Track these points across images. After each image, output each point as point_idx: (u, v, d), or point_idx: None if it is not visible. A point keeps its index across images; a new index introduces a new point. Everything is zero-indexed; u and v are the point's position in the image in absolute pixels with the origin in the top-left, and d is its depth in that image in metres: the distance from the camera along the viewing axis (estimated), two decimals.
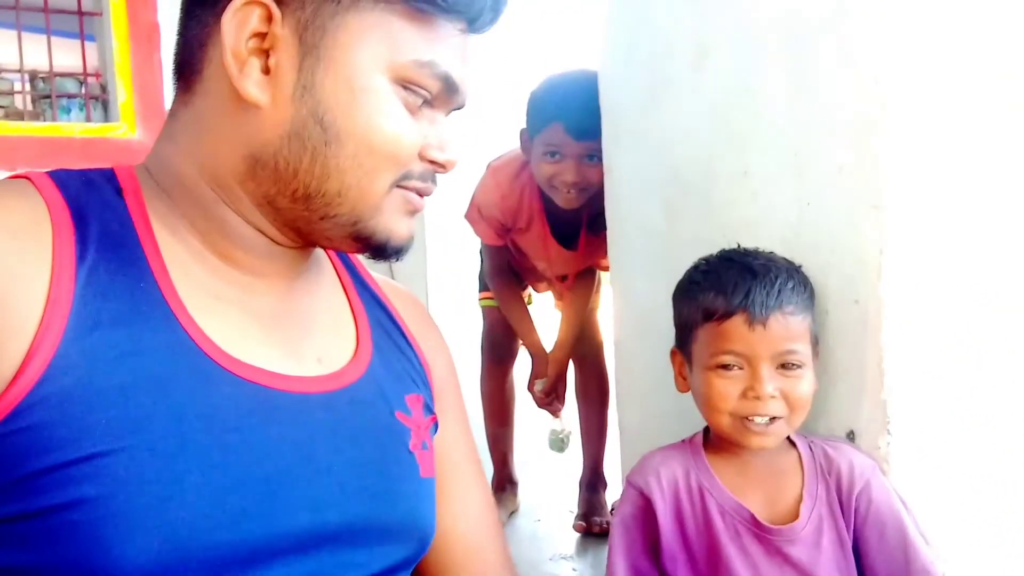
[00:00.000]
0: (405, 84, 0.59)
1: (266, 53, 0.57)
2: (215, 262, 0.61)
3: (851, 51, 0.92)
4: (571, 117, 1.55)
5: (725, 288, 0.88)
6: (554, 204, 1.72)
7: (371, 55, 0.58)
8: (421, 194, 0.63)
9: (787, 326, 0.86)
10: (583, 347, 2.06)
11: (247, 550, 0.53)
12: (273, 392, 0.58)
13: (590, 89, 1.43)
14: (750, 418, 0.86)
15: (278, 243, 0.63)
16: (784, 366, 0.86)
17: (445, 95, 0.62)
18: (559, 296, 2.13)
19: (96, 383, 0.51)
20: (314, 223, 0.61)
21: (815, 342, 0.90)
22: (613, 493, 2.09)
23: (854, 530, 0.87)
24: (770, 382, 0.85)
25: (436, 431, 0.72)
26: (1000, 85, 0.94)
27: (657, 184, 1.24)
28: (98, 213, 0.57)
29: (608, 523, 1.94)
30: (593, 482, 2.06)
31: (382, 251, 0.63)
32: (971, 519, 0.95)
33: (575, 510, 2.03)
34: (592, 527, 1.93)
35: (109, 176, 0.61)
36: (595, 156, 1.55)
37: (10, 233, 0.52)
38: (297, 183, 0.59)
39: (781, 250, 0.99)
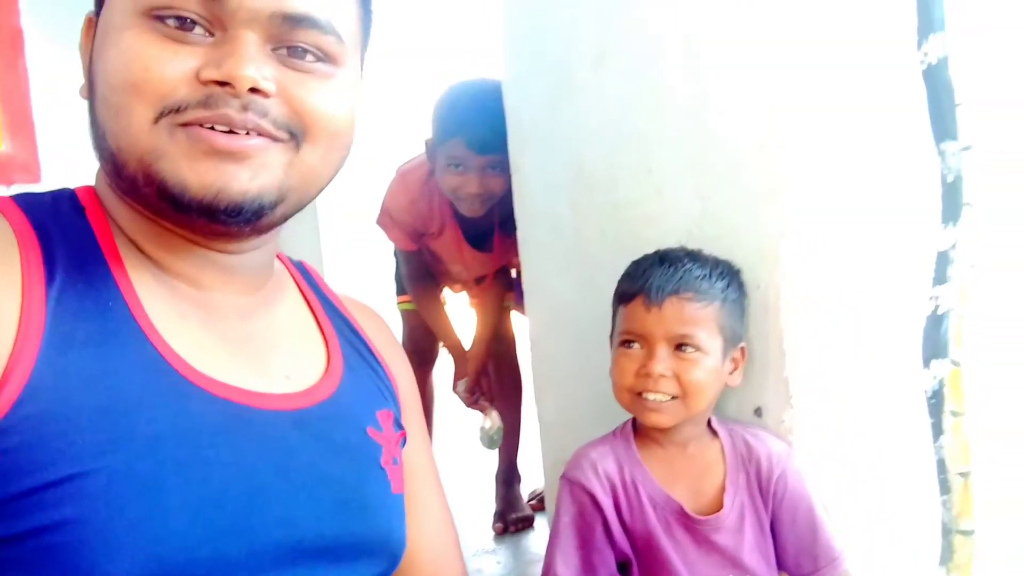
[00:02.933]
0: (154, 13, 0.55)
1: None
2: (171, 281, 0.60)
3: (747, 55, 0.99)
4: (473, 132, 1.58)
5: (634, 274, 0.95)
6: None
7: (118, 2, 0.57)
8: (209, 124, 0.55)
9: (683, 310, 0.91)
10: (497, 344, 2.10)
11: (226, 567, 0.53)
12: (245, 408, 0.58)
13: (492, 101, 1.46)
14: (643, 394, 0.91)
15: (195, 243, 0.61)
16: (680, 348, 0.91)
17: (212, 6, 0.55)
18: (474, 295, 2.16)
19: (72, 404, 0.50)
20: (140, 194, 0.57)
21: (732, 336, 0.96)
22: (528, 485, 2.14)
23: (771, 513, 0.94)
24: (661, 362, 0.90)
25: (404, 445, 0.73)
26: (883, 86, 1.04)
27: (564, 182, 1.28)
28: (63, 234, 0.57)
29: (523, 517, 2.00)
30: (509, 477, 2.10)
31: (185, 205, 0.55)
32: (865, 483, 1.05)
33: (492, 505, 2.06)
34: (509, 526, 1.97)
35: (70, 196, 0.61)
36: (498, 167, 1.60)
37: None
38: (102, 153, 0.58)
39: (686, 242, 1.05)
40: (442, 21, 2.77)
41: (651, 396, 0.91)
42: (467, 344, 2.03)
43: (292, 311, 0.70)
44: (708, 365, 0.92)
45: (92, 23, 0.60)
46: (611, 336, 1.01)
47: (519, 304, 1.98)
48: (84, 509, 0.49)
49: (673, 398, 0.91)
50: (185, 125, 0.55)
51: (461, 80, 1.74)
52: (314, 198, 0.65)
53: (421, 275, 2.00)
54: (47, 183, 2.04)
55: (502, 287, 2.06)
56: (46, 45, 2.08)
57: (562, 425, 1.38)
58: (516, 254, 1.92)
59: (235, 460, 0.56)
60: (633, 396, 0.93)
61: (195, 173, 0.55)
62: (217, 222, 0.57)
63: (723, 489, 0.94)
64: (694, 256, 0.97)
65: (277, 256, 0.72)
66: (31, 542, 0.48)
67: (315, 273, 0.77)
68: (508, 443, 2.10)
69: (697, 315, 0.92)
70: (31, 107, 2.38)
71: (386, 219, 1.88)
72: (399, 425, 0.72)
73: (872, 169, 1.05)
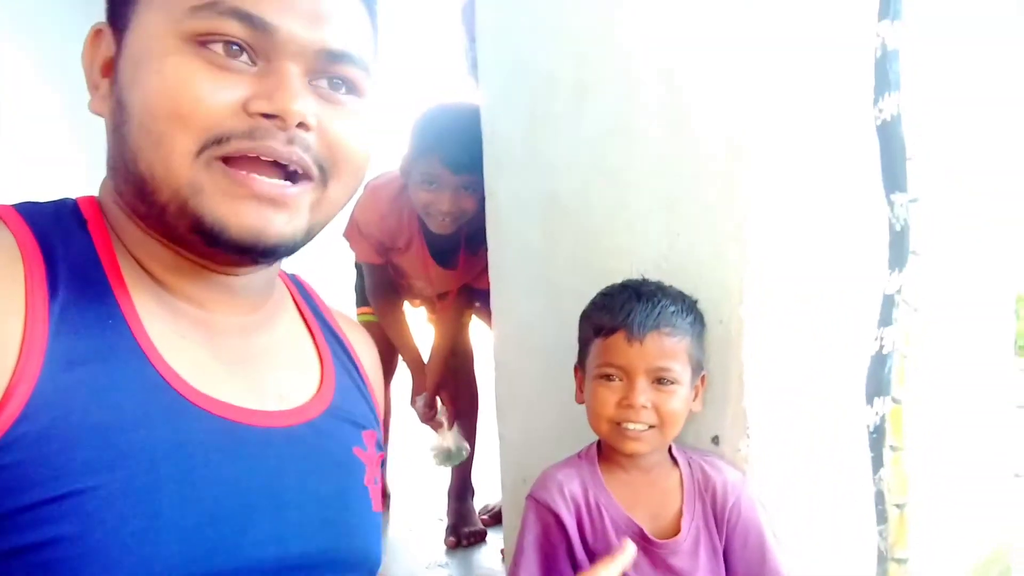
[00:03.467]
0: (198, 39, 0.55)
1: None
2: (172, 300, 0.61)
3: (718, 102, 1.05)
4: (450, 150, 1.61)
5: (613, 308, 0.99)
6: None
7: (154, 22, 0.56)
8: (254, 155, 0.55)
9: (662, 345, 0.96)
10: (455, 360, 2.12)
11: None
12: (238, 426, 0.59)
13: (471, 124, 1.49)
14: (624, 424, 0.96)
15: (203, 266, 0.61)
16: (659, 381, 0.96)
17: (260, 37, 0.55)
18: (433, 311, 2.17)
19: (72, 421, 0.51)
20: (166, 223, 0.58)
21: (698, 366, 1.01)
22: (480, 500, 2.17)
23: (724, 539, 0.99)
24: (643, 394, 0.95)
25: (384, 466, 0.75)
26: (841, 140, 1.11)
27: (538, 210, 1.32)
28: (66, 248, 0.57)
29: (476, 531, 2.02)
30: (462, 491, 2.11)
31: (222, 243, 0.56)
32: (816, 507, 1.11)
33: (444, 518, 2.07)
34: (462, 540, 1.99)
35: (73, 208, 0.61)
36: (470, 187, 1.63)
37: None
38: (126, 177, 0.58)
39: (653, 275, 1.10)
40: (421, 42, 2.79)
41: (631, 426, 0.95)
42: (426, 358, 2.05)
43: (289, 328, 0.71)
44: (682, 395, 0.97)
45: (102, 35, 0.60)
46: (581, 364, 1.05)
47: (486, 315, 2.00)
48: (82, 525, 0.49)
49: (650, 427, 0.96)
50: (226, 159, 0.55)
51: (441, 101, 1.77)
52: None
53: (384, 288, 2.01)
54: None
55: (463, 303, 2.08)
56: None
57: (524, 444, 1.41)
58: (480, 272, 1.95)
59: (228, 478, 0.57)
60: (613, 426, 0.97)
61: (235, 215, 0.55)
62: (250, 259, 0.59)
63: (680, 514, 0.98)
64: (664, 290, 1.02)
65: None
66: (29, 557, 0.49)
67: (310, 288, 0.78)
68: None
69: (674, 348, 0.97)
70: None
71: (354, 232, 1.89)
72: (380, 446, 0.74)
73: (828, 216, 1.12)
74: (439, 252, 1.87)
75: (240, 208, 0.56)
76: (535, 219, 1.33)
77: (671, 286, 1.06)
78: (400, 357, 2.10)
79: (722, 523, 0.98)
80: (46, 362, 0.51)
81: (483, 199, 1.65)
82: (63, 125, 2.15)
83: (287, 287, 0.75)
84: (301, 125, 0.56)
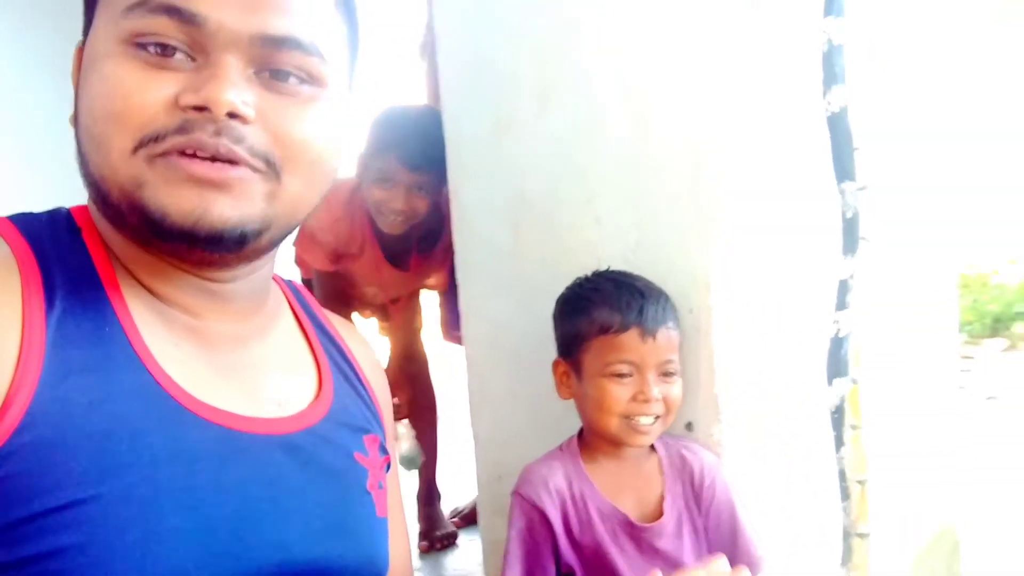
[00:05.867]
0: (135, 40, 0.54)
1: None
2: (166, 308, 0.60)
3: (681, 99, 1.09)
4: (407, 149, 1.62)
5: (619, 305, 1.01)
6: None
7: (100, 28, 0.56)
8: (189, 152, 0.54)
9: (669, 339, 1.01)
10: (410, 365, 2.12)
11: None
12: (237, 433, 0.59)
13: (429, 124, 1.51)
14: (636, 418, 0.98)
15: (184, 271, 0.60)
16: (665, 373, 1.00)
17: (192, 31, 0.54)
18: (385, 319, 2.17)
19: (71, 431, 0.51)
20: (125, 223, 0.57)
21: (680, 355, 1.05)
22: (447, 503, 2.17)
23: (703, 519, 1.02)
24: (655, 386, 0.98)
25: (389, 470, 0.75)
26: (795, 131, 1.16)
27: (504, 209, 1.34)
28: (61, 258, 0.56)
29: (447, 534, 2.03)
30: (429, 496, 2.12)
31: (166, 231, 0.55)
32: (785, 487, 1.15)
33: (414, 523, 2.08)
34: (435, 543, 1.99)
35: (66, 217, 0.60)
36: (424, 188, 1.66)
37: None
38: (86, 181, 0.58)
39: (622, 267, 1.13)
40: (377, 47, 2.79)
41: (643, 419, 0.98)
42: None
43: (286, 335, 0.71)
44: (680, 383, 1.02)
45: (81, 52, 0.60)
46: (571, 362, 1.05)
47: (452, 332, 2.01)
48: (83, 535, 0.49)
49: (657, 418, 0.99)
50: (164, 155, 0.54)
51: (399, 102, 1.78)
52: (302, 221, 0.65)
53: (336, 297, 1.99)
54: None
55: (414, 309, 2.10)
56: None
57: (498, 441, 1.42)
58: (431, 273, 1.96)
59: (228, 485, 0.57)
60: (623, 421, 0.99)
61: (174, 200, 0.54)
62: (198, 249, 0.56)
63: (662, 498, 1.01)
64: (651, 285, 1.05)
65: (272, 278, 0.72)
66: (32, 568, 0.48)
67: (306, 292, 0.78)
68: (426, 463, 2.12)
69: (675, 341, 1.02)
70: None
71: (306, 239, 1.86)
72: (384, 450, 0.73)
73: (787, 206, 1.17)
74: (392, 254, 1.88)
75: (178, 192, 0.54)
76: (503, 219, 1.35)
77: (643, 277, 1.09)
78: None
79: (701, 504, 1.02)
80: (44, 372, 0.51)
81: (435, 201, 1.66)
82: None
83: (284, 293, 0.74)
84: (235, 117, 0.54)
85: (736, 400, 1.10)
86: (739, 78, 1.10)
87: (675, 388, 1.01)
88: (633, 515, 1.00)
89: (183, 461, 0.55)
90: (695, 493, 1.02)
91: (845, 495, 1.27)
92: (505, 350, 1.38)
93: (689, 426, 1.12)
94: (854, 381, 1.25)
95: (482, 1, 1.35)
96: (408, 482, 2.14)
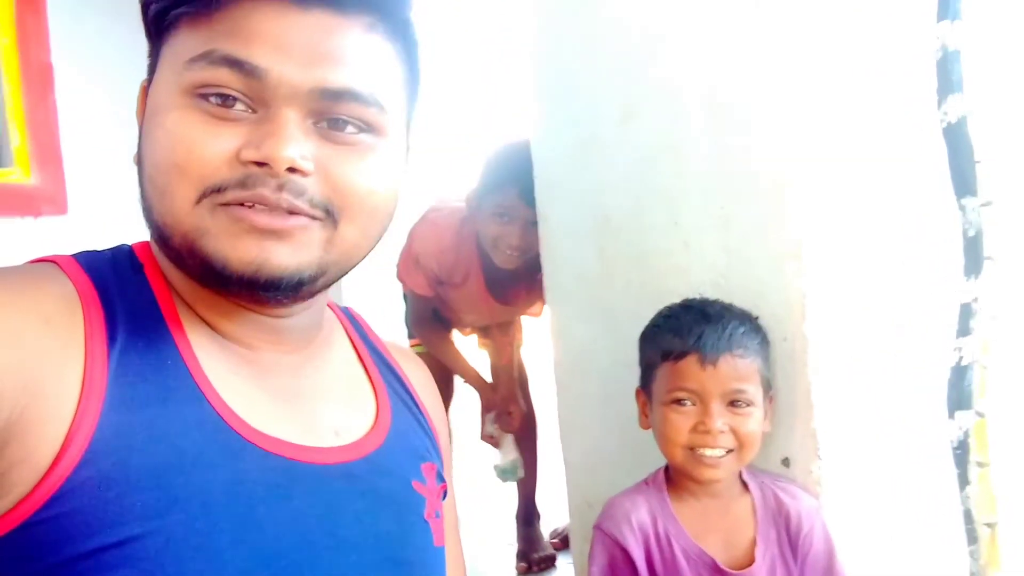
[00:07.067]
0: (197, 91, 0.55)
1: None
2: (223, 341, 0.61)
3: (763, 119, 1.03)
4: (527, 184, 1.61)
5: (681, 331, 0.96)
6: (493, 260, 1.77)
7: (164, 78, 0.57)
8: (248, 204, 0.55)
9: (736, 367, 0.94)
10: (512, 382, 2.12)
11: None
12: (295, 464, 0.59)
13: None
14: (701, 451, 0.93)
15: (244, 307, 0.62)
16: (734, 403, 0.94)
17: (254, 84, 0.55)
18: (485, 336, 2.18)
19: (131, 465, 0.51)
20: (186, 267, 0.59)
21: (767, 385, 0.99)
22: (547, 523, 2.15)
23: (798, 568, 0.95)
24: (719, 418, 0.93)
25: (445, 498, 0.74)
26: (905, 142, 1.07)
27: (590, 232, 1.32)
28: (123, 293, 0.58)
29: (546, 556, 2.00)
30: (528, 515, 2.11)
31: (227, 278, 0.56)
32: (898, 530, 1.06)
33: (513, 542, 2.07)
34: (533, 565, 1.97)
35: (128, 253, 0.62)
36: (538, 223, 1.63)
37: (44, 319, 0.53)
38: (149, 226, 0.59)
39: (712, 294, 1.08)
40: (472, 76, 2.83)
41: (708, 452, 0.93)
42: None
43: (342, 362, 0.71)
44: (758, 417, 0.95)
45: (145, 91, 0.61)
46: (645, 388, 1.03)
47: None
48: (142, 571, 0.49)
49: (728, 452, 0.94)
50: (226, 205, 0.55)
51: (515, 138, 1.77)
52: (356, 266, 0.65)
53: (430, 319, 2.01)
54: (73, 215, 2.09)
55: (516, 327, 2.09)
56: (75, 80, 2.13)
57: (588, 467, 1.39)
58: (533, 304, 1.95)
59: (286, 517, 0.57)
60: (687, 452, 0.94)
61: (235, 250, 0.55)
62: (257, 294, 0.58)
63: (754, 543, 0.95)
64: (730, 310, 0.99)
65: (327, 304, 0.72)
66: None
67: (361, 320, 0.78)
68: (525, 481, 2.11)
69: (747, 370, 0.95)
70: (59, 141, 2.46)
71: (410, 263, 1.90)
72: (441, 478, 0.73)
73: (897, 223, 1.08)
74: (496, 287, 1.87)
75: (239, 243, 0.55)
76: (588, 241, 1.32)
77: (733, 305, 1.03)
78: (457, 382, 2.10)
79: (796, 551, 0.95)
80: (105, 407, 0.52)
81: None
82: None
83: (339, 320, 0.75)
84: (293, 170, 0.55)
85: (837, 435, 1.02)
86: (839, 84, 1.02)
87: (748, 421, 0.94)
88: (721, 559, 0.94)
89: (241, 493, 0.55)
90: (791, 541, 0.95)
91: (972, 539, 1.16)
92: (594, 376, 1.35)
93: (786, 462, 1.05)
94: (980, 414, 1.14)
95: (566, 21, 1.33)
96: (507, 500, 2.14)
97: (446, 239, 1.83)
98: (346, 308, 0.78)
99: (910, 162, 1.10)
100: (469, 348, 2.22)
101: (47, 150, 2.71)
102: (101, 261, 0.60)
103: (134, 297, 0.58)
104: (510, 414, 2.00)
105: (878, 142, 1.07)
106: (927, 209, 1.11)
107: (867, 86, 1.06)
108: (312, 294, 0.63)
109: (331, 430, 0.64)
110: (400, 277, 1.98)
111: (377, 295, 2.35)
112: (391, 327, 2.30)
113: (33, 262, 0.59)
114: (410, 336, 2.15)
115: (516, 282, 1.86)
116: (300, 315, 0.65)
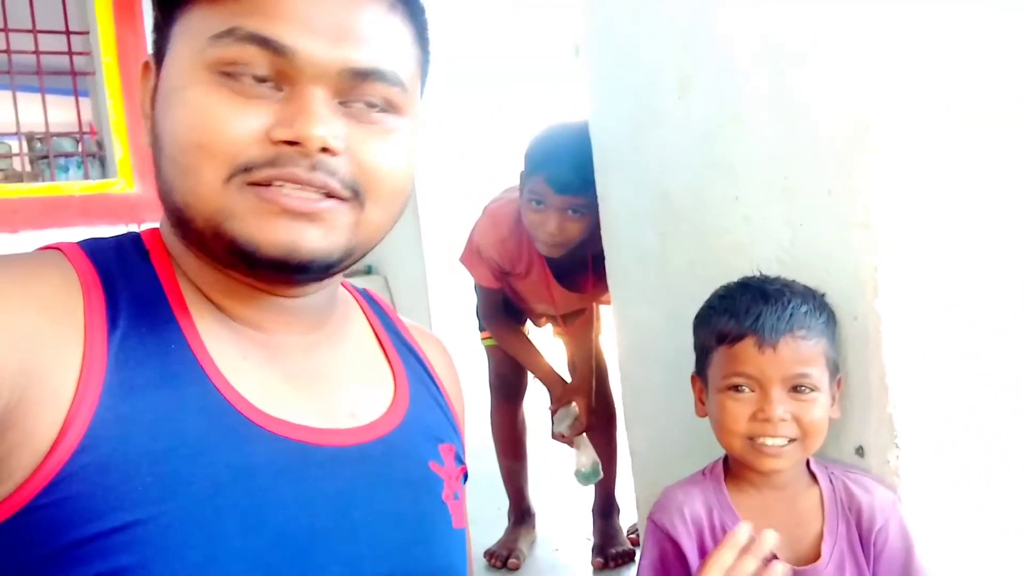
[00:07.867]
0: (222, 68, 0.54)
1: None
2: (234, 324, 0.61)
3: (831, 78, 0.95)
4: (555, 170, 1.56)
5: (737, 312, 0.90)
6: None
7: (182, 53, 0.56)
8: (277, 182, 0.54)
9: (798, 350, 0.87)
10: (590, 373, 2.06)
11: None
12: (306, 447, 0.58)
13: (580, 144, 1.45)
14: (761, 440, 0.87)
15: (260, 290, 0.61)
16: (796, 389, 0.87)
17: (280, 61, 0.54)
18: (560, 325, 2.13)
19: (132, 450, 0.51)
20: (208, 249, 0.58)
21: (834, 368, 0.91)
22: (627, 517, 2.09)
23: (871, 566, 0.87)
24: (780, 404, 0.86)
25: (466, 481, 0.72)
26: (973, 102, 0.97)
27: (650, 212, 1.26)
28: (127, 279, 0.58)
29: (623, 551, 1.95)
30: (607, 509, 2.05)
31: (257, 261, 0.56)
32: (985, 526, 0.96)
33: (591, 537, 2.02)
34: (609, 561, 1.92)
35: (135, 240, 0.62)
36: (579, 210, 1.56)
37: (42, 305, 0.53)
38: (166, 207, 0.59)
39: (776, 271, 1.01)
40: (535, 56, 2.80)
41: (769, 441, 0.87)
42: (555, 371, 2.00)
43: (358, 343, 0.69)
44: (823, 402, 0.88)
45: (149, 68, 0.61)
46: (701, 374, 0.97)
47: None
48: (142, 556, 0.49)
49: (791, 441, 0.87)
50: (254, 184, 0.54)
51: (557, 121, 1.72)
52: (376, 246, 0.65)
53: (500, 312, 1.97)
54: None
55: (593, 316, 2.03)
56: None
57: (654, 458, 1.34)
58: (605, 291, 1.89)
59: (295, 500, 0.56)
60: (747, 442, 0.88)
61: (264, 233, 0.55)
62: (286, 277, 0.58)
63: (821, 538, 0.88)
64: (792, 288, 0.92)
65: (341, 284, 0.72)
66: None
67: (382, 301, 0.77)
68: (605, 474, 2.06)
69: (810, 352, 0.88)
70: None
71: (473, 256, 1.87)
72: (460, 460, 0.71)
73: (978, 188, 0.97)
74: (563, 274, 1.82)
75: (270, 225, 0.55)
76: (648, 221, 1.27)
77: (796, 282, 0.96)
78: (530, 376, 2.07)
79: (869, 547, 0.87)
80: (104, 393, 0.51)
81: (597, 221, 1.59)
82: None
83: (356, 301, 0.73)
84: (325, 150, 0.55)
85: (917, 422, 0.93)
86: (908, 41, 0.93)
87: (813, 408, 0.87)
88: (783, 554, 0.87)
89: (248, 477, 0.54)
90: (863, 537, 0.87)
91: None
92: (657, 362, 1.29)
93: (860, 451, 0.97)
94: None
95: None
96: (585, 493, 2.10)
97: (504, 229, 1.79)
98: (364, 290, 0.77)
99: (1004, 119, 0.99)
100: (545, 340, 2.19)
101: (149, 160, 2.89)
102: (106, 247, 0.60)
103: (138, 282, 0.58)
104: (575, 415, 1.94)
105: (966, 96, 0.97)
106: (1016, 169, 1.00)
107: (955, 30, 0.95)
108: (334, 275, 0.63)
109: (347, 411, 0.63)
110: (467, 269, 1.97)
111: (465, 284, 2.35)
112: (460, 321, 2.29)
113: (40, 249, 0.60)
114: (480, 329, 2.13)
115: (584, 268, 1.81)
116: (315, 295, 0.64)
